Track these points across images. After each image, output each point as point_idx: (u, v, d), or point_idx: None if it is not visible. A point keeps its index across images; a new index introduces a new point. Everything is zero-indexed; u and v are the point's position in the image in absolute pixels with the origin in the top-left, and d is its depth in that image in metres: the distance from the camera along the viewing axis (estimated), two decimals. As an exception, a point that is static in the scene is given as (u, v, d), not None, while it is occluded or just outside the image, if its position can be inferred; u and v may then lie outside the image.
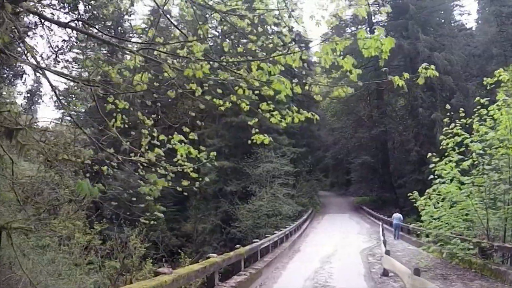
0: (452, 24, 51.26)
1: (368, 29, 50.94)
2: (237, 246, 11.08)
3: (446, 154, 12.97)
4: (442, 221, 13.15)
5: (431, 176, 13.31)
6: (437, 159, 13.28)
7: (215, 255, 8.34)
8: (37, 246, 15.04)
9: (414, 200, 14.62)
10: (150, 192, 6.33)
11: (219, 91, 8.90)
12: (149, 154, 8.38)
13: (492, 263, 10.73)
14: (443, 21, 48.83)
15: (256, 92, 7.57)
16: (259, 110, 8.04)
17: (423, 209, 13.80)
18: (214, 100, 9.00)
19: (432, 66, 6.29)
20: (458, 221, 12.81)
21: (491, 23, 47.53)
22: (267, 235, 16.39)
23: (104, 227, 21.90)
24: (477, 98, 13.06)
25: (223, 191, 35.91)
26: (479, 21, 55.37)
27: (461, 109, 13.70)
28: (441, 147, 13.22)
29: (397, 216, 25.53)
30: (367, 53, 5.71)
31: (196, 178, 8.78)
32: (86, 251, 17.20)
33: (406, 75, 6.24)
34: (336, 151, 60.01)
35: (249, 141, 8.30)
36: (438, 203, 13.47)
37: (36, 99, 41.88)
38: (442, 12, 48.57)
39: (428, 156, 13.93)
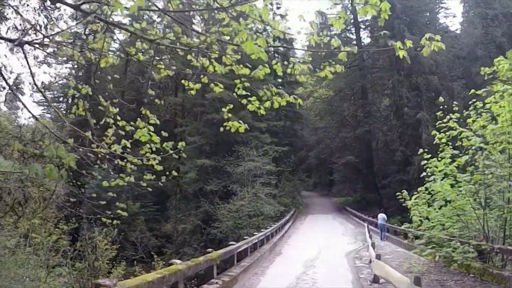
0: (437, 27, 51.06)
1: (354, 29, 50.40)
2: (209, 250, 9.79)
3: (440, 150, 12.05)
4: (434, 222, 12.17)
5: (423, 174, 12.35)
6: (429, 155, 12.36)
7: (178, 261, 7.08)
8: (1, 247, 13.95)
9: (402, 200, 13.68)
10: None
11: (189, 71, 7.95)
12: (114, 146, 7.60)
13: (493, 267, 9.71)
14: (428, 22, 48.60)
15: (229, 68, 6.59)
16: (234, 94, 7.17)
17: (414, 210, 12.76)
18: (183, 81, 8.14)
19: (438, 37, 5.26)
20: (452, 222, 11.83)
21: (476, 26, 47.54)
22: (245, 237, 15.18)
23: (77, 227, 20.58)
24: (472, 91, 12.15)
25: (204, 191, 34.74)
26: (464, 24, 55.41)
27: (455, 102, 12.89)
28: (434, 142, 12.31)
29: (381, 216, 24.81)
30: (363, 12, 4.64)
31: (163, 171, 7.97)
32: (54, 252, 16.06)
33: (409, 43, 5.21)
34: (319, 150, 59.51)
35: (222, 129, 7.34)
36: (429, 203, 12.53)
37: (20, 95, 40.09)
38: (428, 13, 48.51)
39: (419, 153, 12.99)
